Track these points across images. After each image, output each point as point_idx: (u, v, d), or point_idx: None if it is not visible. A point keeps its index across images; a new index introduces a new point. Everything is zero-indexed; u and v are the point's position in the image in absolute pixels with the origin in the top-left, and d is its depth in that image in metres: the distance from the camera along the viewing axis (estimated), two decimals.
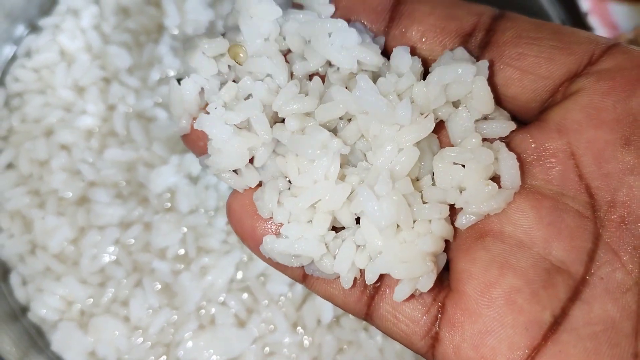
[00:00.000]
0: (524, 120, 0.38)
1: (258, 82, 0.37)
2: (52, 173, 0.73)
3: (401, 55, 0.37)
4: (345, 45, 0.36)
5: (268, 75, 0.38)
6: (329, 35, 0.37)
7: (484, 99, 0.36)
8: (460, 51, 0.37)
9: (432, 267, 0.35)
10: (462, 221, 0.36)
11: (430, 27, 0.38)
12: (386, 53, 0.38)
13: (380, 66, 0.38)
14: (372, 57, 0.37)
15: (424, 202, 0.37)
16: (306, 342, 0.70)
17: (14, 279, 0.71)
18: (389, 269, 0.35)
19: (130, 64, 0.77)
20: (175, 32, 0.79)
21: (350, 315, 0.70)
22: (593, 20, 0.76)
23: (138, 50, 0.79)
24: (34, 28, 0.81)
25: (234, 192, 0.39)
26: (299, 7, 0.39)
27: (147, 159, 0.74)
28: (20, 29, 0.80)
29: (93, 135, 0.75)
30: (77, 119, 0.75)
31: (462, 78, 0.35)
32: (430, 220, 0.36)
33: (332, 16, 0.38)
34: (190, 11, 0.78)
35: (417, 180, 0.37)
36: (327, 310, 0.69)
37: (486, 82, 0.36)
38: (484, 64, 0.36)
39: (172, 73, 0.77)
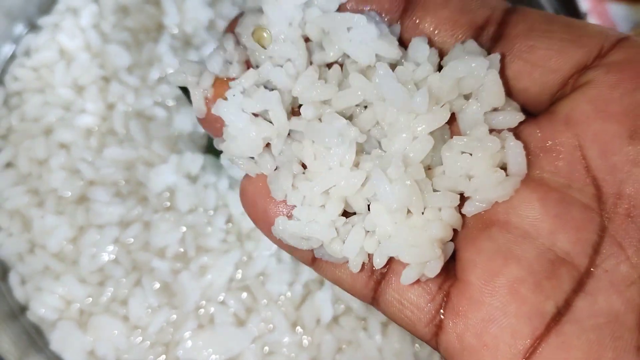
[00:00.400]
0: (533, 112, 0.38)
1: (278, 68, 0.37)
2: (51, 172, 0.73)
3: (419, 46, 0.37)
4: (364, 40, 0.37)
5: (288, 60, 0.38)
6: (348, 30, 0.37)
7: (495, 92, 0.36)
8: (471, 44, 0.37)
9: (440, 253, 0.36)
10: (470, 208, 0.37)
11: (444, 19, 0.38)
12: (400, 43, 0.39)
13: (398, 59, 0.38)
14: (390, 50, 0.37)
15: (435, 191, 0.37)
16: (305, 342, 0.70)
17: (13, 278, 0.71)
18: (397, 252, 0.36)
19: (130, 62, 0.77)
20: (175, 31, 0.79)
21: (349, 314, 0.70)
22: (592, 20, 0.76)
23: (137, 49, 0.79)
24: (33, 27, 0.80)
25: (248, 175, 0.39)
26: None
27: (146, 157, 0.74)
28: (20, 28, 0.80)
29: (92, 134, 0.75)
30: (76, 118, 0.75)
31: (475, 72, 0.36)
32: (440, 209, 0.36)
33: (346, 4, 0.38)
34: (189, 10, 0.78)
35: (429, 169, 0.38)
36: (326, 309, 0.69)
37: (498, 76, 0.36)
38: (496, 57, 0.36)
39: (171, 72, 0.77)
